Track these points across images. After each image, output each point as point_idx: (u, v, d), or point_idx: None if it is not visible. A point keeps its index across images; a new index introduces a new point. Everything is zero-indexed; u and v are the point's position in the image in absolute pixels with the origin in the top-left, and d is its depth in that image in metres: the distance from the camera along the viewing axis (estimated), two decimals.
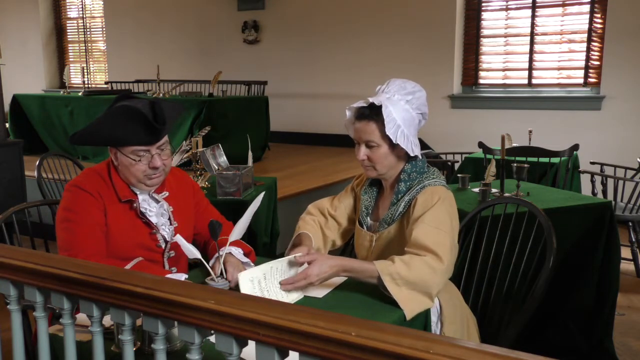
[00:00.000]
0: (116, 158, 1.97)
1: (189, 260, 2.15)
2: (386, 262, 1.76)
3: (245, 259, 1.98)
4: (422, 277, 1.73)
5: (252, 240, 3.09)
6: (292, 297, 1.78)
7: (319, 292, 1.81)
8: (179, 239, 1.79)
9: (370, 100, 1.92)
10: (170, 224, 2.05)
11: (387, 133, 1.88)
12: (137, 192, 2.01)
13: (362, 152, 1.96)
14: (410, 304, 1.72)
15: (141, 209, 2.00)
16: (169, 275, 1.89)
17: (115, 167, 1.99)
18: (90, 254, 1.87)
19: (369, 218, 2.08)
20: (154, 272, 1.80)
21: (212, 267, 1.86)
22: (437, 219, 1.84)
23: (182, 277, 1.89)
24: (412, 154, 1.95)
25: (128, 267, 1.88)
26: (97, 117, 1.98)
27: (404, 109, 1.92)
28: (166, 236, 2.03)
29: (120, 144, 1.93)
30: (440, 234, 1.81)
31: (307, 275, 1.74)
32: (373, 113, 1.92)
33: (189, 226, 2.13)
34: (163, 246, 2.03)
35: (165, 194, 2.06)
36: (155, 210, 2.03)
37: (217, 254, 1.86)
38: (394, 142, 1.90)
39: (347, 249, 2.27)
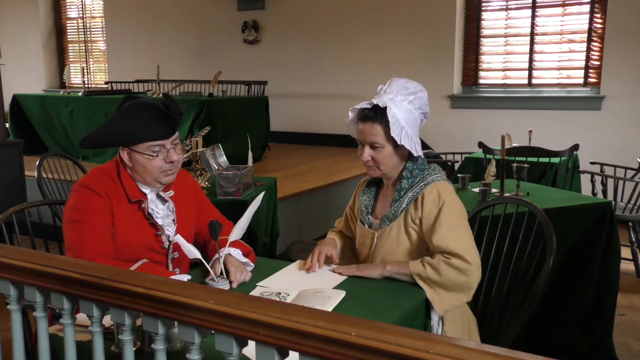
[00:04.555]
0: (130, 158, 1.95)
1: (190, 261, 2.16)
2: (419, 266, 1.87)
3: (245, 259, 1.98)
4: (452, 280, 1.83)
5: (252, 240, 3.09)
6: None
7: (327, 306, 1.77)
8: (179, 239, 1.79)
9: (374, 102, 1.93)
10: (174, 224, 2.05)
11: (392, 135, 1.90)
12: (147, 192, 2.01)
13: (367, 153, 1.98)
14: (444, 304, 1.85)
15: (149, 210, 2.00)
16: (172, 276, 1.89)
17: (127, 168, 1.98)
18: (97, 254, 1.87)
19: (369, 216, 2.10)
20: (158, 273, 1.80)
21: (212, 267, 1.86)
22: (452, 217, 1.91)
23: (185, 277, 1.89)
24: (415, 154, 1.97)
25: (133, 268, 1.88)
26: (108, 119, 1.98)
27: (406, 110, 1.94)
28: (170, 236, 2.04)
29: (136, 140, 1.92)
30: (460, 232, 1.89)
31: (360, 268, 1.97)
32: (377, 115, 1.93)
33: (190, 226, 2.13)
34: (167, 247, 2.03)
35: (171, 192, 2.06)
36: (162, 212, 2.04)
37: (217, 255, 1.86)
38: (399, 143, 1.91)
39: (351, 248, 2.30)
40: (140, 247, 1.98)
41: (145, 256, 1.96)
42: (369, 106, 1.95)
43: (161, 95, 6.48)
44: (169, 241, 2.03)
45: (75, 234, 1.92)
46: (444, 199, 1.92)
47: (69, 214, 1.95)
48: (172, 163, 1.96)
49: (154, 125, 1.91)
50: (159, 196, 2.04)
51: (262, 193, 2.01)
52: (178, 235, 1.82)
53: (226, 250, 1.87)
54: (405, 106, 1.94)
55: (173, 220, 2.05)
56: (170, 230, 2.04)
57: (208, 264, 1.85)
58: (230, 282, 1.84)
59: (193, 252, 1.81)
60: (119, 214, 1.95)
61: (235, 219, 1.90)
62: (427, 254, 1.92)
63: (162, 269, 1.99)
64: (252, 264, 2.02)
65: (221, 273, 1.82)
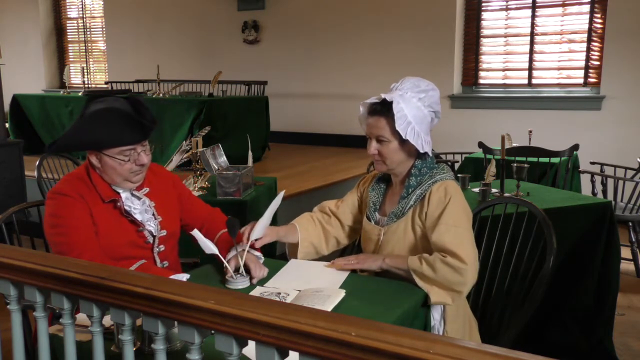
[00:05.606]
0: (99, 160, 1.95)
1: (178, 253, 2.17)
2: (416, 262, 1.87)
3: (257, 253, 2.00)
4: (446, 278, 1.82)
5: None
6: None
7: (327, 306, 1.78)
8: (197, 234, 1.83)
9: (383, 96, 1.97)
10: (155, 219, 2.05)
11: (397, 129, 1.92)
12: (120, 191, 2.01)
13: (373, 146, 2.01)
14: (437, 297, 1.85)
15: (125, 207, 2.00)
16: (171, 276, 1.90)
17: (95, 169, 1.98)
18: (93, 255, 1.87)
19: (377, 213, 2.11)
20: (158, 274, 1.80)
21: (228, 264, 1.87)
22: (454, 216, 1.91)
23: (184, 277, 1.89)
24: (421, 151, 1.99)
25: (132, 268, 1.88)
26: (75, 123, 1.96)
27: (415, 107, 1.97)
28: (153, 231, 2.04)
29: (107, 146, 1.91)
30: (459, 231, 1.89)
31: (360, 261, 1.98)
32: (384, 109, 1.96)
33: (174, 218, 2.14)
34: (151, 241, 2.04)
35: (146, 190, 2.07)
36: (139, 207, 2.04)
37: (234, 252, 1.89)
38: (404, 138, 1.94)
39: (353, 246, 2.30)
40: (124, 244, 1.98)
41: (131, 252, 1.97)
42: (377, 100, 1.98)
43: (156, 95, 6.48)
44: (153, 235, 2.04)
45: (62, 239, 1.92)
46: (450, 197, 1.93)
47: (49, 221, 1.94)
48: (142, 165, 1.97)
49: (126, 132, 1.91)
50: (133, 194, 2.05)
51: (282, 192, 2.07)
52: (195, 231, 1.85)
53: (240, 246, 1.88)
54: (415, 103, 1.97)
55: (153, 214, 2.05)
56: (151, 224, 2.04)
57: (223, 260, 1.87)
58: (252, 279, 1.85)
59: (210, 248, 1.83)
60: (97, 215, 1.95)
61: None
62: (432, 251, 1.93)
63: (161, 270, 2.00)
64: (262, 257, 2.03)
65: (237, 269, 1.84)
